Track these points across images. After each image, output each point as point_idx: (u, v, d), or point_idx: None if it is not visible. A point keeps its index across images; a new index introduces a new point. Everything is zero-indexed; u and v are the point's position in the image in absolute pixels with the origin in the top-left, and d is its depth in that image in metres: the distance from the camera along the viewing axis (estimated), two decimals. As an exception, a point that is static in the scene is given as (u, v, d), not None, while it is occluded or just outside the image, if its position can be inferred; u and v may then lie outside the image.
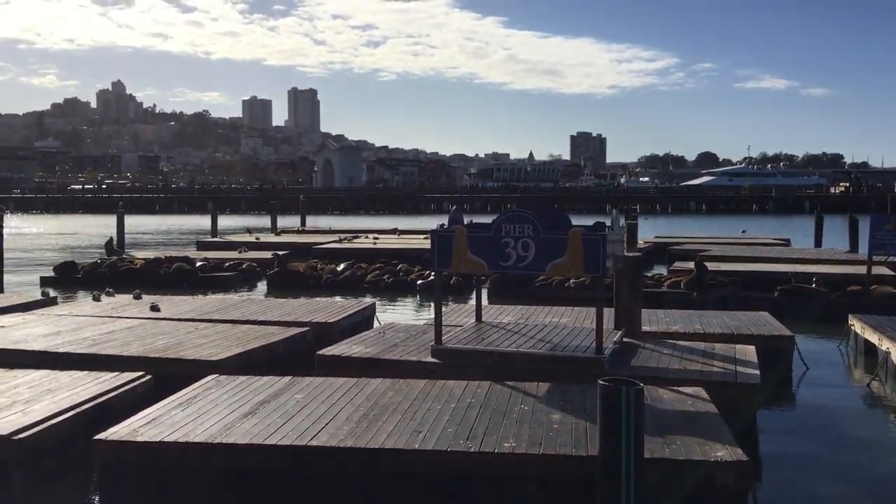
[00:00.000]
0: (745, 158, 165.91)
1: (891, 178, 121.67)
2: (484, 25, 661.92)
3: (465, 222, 9.45)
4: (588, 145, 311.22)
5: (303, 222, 43.60)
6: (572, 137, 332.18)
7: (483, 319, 11.12)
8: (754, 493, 5.90)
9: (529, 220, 8.65)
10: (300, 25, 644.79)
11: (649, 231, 36.29)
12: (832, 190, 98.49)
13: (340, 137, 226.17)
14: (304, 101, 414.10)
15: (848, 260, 21.44)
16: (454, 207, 9.94)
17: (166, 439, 6.29)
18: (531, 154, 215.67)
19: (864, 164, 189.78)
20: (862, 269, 17.02)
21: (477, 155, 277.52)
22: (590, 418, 6.52)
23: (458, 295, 18.28)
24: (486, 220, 9.25)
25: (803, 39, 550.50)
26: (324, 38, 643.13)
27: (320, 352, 9.66)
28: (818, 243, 27.99)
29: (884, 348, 10.44)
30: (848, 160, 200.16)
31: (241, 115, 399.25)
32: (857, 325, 12.05)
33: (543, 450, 6.00)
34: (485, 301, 14.81)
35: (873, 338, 11.08)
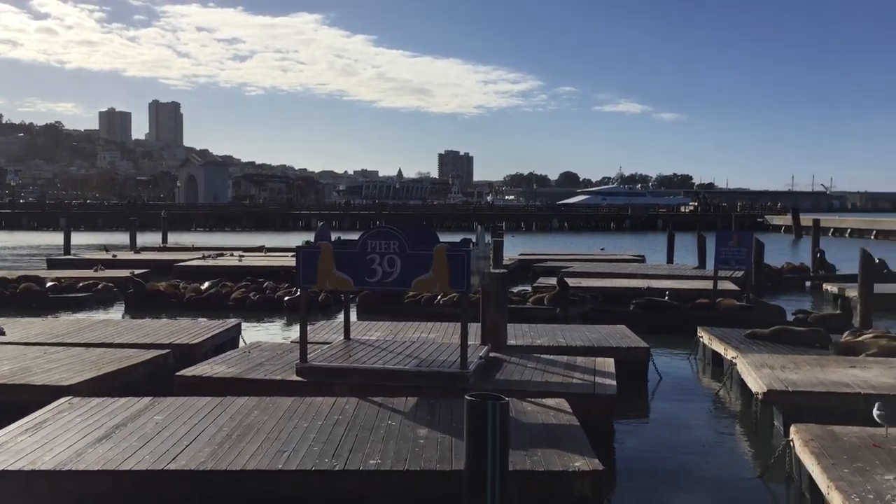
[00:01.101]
0: (604, 178, 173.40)
1: (734, 197, 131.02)
2: (353, 43, 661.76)
3: (333, 239, 9.42)
4: (456, 164, 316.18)
5: (164, 239, 42.07)
6: (440, 155, 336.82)
7: (351, 336, 11.07)
8: (609, 500, 6.16)
9: (395, 237, 8.71)
10: (162, 36, 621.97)
11: (515, 248, 37.18)
12: (682, 209, 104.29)
13: (205, 152, 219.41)
14: (166, 115, 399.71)
15: (696, 275, 22.75)
16: (321, 224, 9.86)
17: (10, 468, 5.90)
18: (400, 171, 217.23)
19: (711, 184, 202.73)
20: (709, 284, 18.10)
21: (346, 172, 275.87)
22: (456, 432, 6.61)
23: (327, 312, 18.11)
24: (356, 237, 9.26)
25: (656, 66, 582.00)
26: (188, 50, 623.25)
27: (180, 373, 9.34)
28: (670, 259, 29.57)
29: (729, 358, 11.13)
30: (696, 181, 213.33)
31: (97, 128, 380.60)
32: (704, 336, 12.80)
33: (408, 465, 6.03)
34: (354, 318, 14.75)
35: (719, 348, 11.80)
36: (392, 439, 6.68)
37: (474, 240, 9.66)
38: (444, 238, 9.30)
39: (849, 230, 61.41)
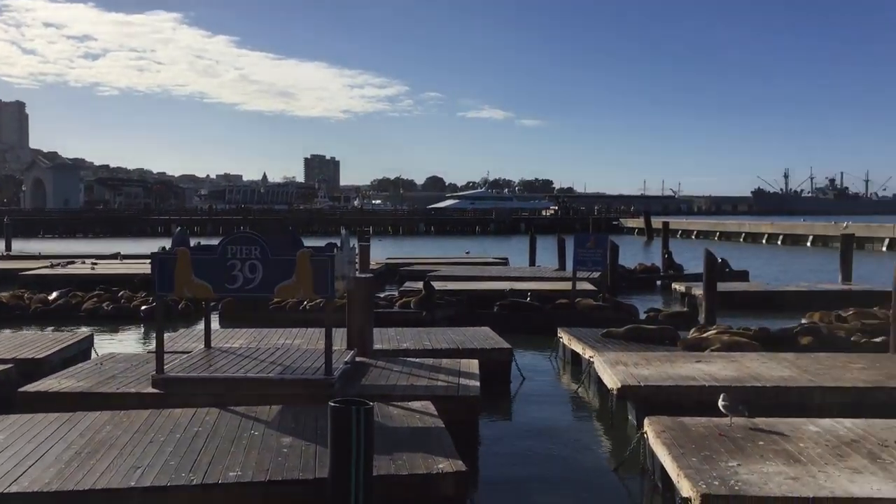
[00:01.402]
0: (469, 182, 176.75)
1: (592, 201, 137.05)
2: (214, 44, 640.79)
3: (193, 244, 9.11)
4: (322, 168, 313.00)
5: (8, 247, 39.51)
6: (306, 160, 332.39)
7: (213, 345, 10.75)
8: (473, 500, 6.25)
9: (257, 242, 8.52)
10: (5, 32, 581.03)
11: (382, 252, 37.23)
12: (544, 213, 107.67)
13: (53, 155, 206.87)
14: (10, 115, 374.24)
15: (557, 276, 23.49)
16: (178, 229, 9.52)
17: None
18: (265, 176, 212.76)
19: (570, 189, 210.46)
20: (569, 285, 18.74)
21: (208, 176, 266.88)
22: (321, 440, 6.53)
23: (187, 320, 17.49)
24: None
25: (518, 74, 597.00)
26: (34, 46, 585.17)
27: (23, 388, 8.77)
28: (532, 262, 30.39)
29: (587, 357, 11.54)
30: (557, 185, 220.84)
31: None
32: (564, 337, 13.22)
33: (271, 476, 5.91)
34: (216, 325, 14.32)
35: (578, 348, 12.23)
36: (254, 449, 6.52)
37: (339, 244, 9.60)
38: (311, 243, 9.19)
39: (695, 232, 65.20)
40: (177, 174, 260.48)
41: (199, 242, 9.55)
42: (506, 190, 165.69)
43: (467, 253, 38.18)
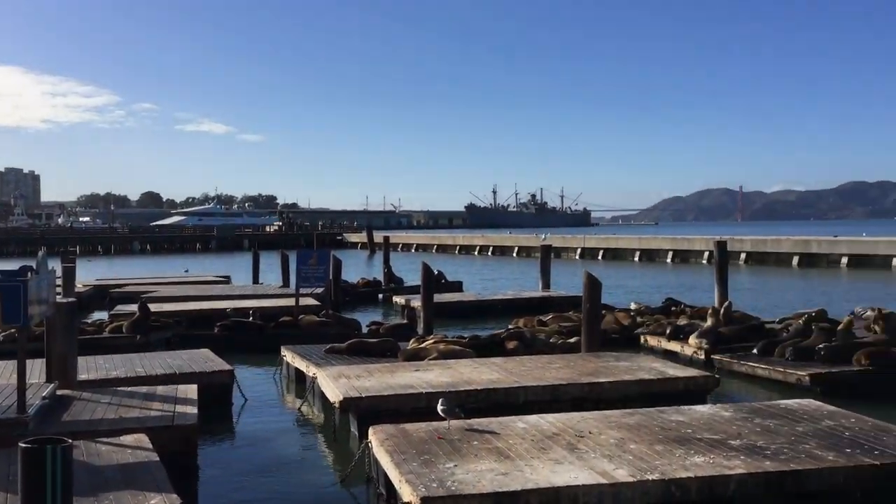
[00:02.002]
0: (188, 198, 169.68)
1: (316, 217, 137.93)
2: None
3: None
4: (19, 183, 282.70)
5: None
6: (0, 173, 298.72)
7: None
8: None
9: (-71, 269, 7.49)
10: None
11: (91, 274, 34.58)
12: (268, 228, 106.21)
13: None
14: None
15: (281, 293, 23.27)
16: None
17: None
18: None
19: (295, 204, 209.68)
20: (292, 301, 18.62)
21: None
22: (14, 487, 5.86)
23: None
24: None
25: (239, 87, 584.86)
26: None
27: None
28: (256, 279, 29.83)
29: (310, 374, 11.51)
30: (281, 201, 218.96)
31: None
32: (288, 355, 13.10)
33: (-51, 534, 5.20)
34: None
35: (301, 365, 12.18)
36: (-73, 507, 5.70)
37: (35, 267, 8.74)
38: (4, 266, 8.26)
39: (415, 245, 68.09)
40: None
41: None
42: (235, 206, 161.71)
43: (186, 272, 36.58)
